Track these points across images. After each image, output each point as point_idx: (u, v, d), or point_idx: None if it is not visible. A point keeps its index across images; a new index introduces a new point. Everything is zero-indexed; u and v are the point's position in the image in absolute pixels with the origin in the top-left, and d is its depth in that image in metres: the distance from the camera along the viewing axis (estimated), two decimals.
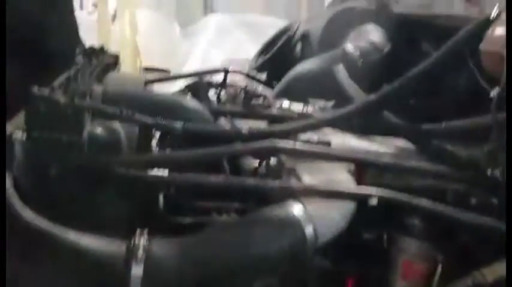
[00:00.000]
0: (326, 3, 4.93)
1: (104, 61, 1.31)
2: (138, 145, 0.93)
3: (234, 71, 1.72)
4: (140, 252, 0.74)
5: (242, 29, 4.91)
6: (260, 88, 1.61)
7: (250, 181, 0.85)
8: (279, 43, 1.60)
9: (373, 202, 0.83)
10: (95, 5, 4.29)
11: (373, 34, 1.46)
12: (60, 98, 0.81)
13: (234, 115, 1.14)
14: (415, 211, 0.89)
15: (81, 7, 5.38)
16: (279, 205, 0.84)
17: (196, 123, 0.93)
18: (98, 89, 0.94)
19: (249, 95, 1.28)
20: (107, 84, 1.03)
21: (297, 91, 1.48)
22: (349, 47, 1.43)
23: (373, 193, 0.84)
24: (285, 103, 1.37)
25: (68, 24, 1.29)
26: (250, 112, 1.14)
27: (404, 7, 1.52)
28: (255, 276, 0.80)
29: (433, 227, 0.98)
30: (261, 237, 0.80)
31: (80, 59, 1.20)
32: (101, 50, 1.43)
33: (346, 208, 0.85)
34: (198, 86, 1.25)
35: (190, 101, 0.99)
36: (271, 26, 4.93)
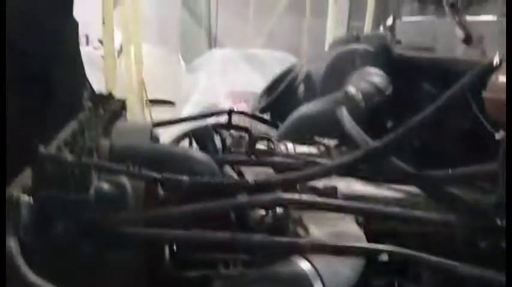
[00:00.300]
0: (327, 37, 5.04)
1: (111, 109, 1.33)
2: (144, 199, 0.93)
3: (238, 112, 1.74)
4: None
5: (245, 62, 4.99)
6: (264, 129, 1.62)
7: (257, 237, 0.84)
8: (283, 85, 1.62)
9: (384, 258, 0.82)
10: (101, 41, 4.36)
11: (375, 76, 1.48)
12: (68, 156, 0.81)
13: (239, 163, 1.15)
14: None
15: (87, 43, 5.51)
16: (287, 260, 0.83)
17: (202, 176, 0.93)
18: (104, 144, 0.95)
19: (253, 138, 1.29)
20: (113, 137, 1.04)
21: (300, 132, 1.50)
22: (351, 89, 1.44)
23: (384, 249, 0.83)
24: (290, 146, 1.38)
25: (75, 67, 1.31)
26: (255, 161, 1.15)
27: (405, 49, 1.55)
28: None
29: (444, 278, 0.96)
30: None
31: (86, 103, 1.21)
32: (109, 97, 1.45)
33: (356, 262, 0.85)
34: (203, 133, 1.26)
35: (196, 153, 1.00)
36: (273, 59, 5.05)
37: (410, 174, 1.08)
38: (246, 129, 1.39)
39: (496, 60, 1.02)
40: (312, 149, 1.40)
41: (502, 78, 0.99)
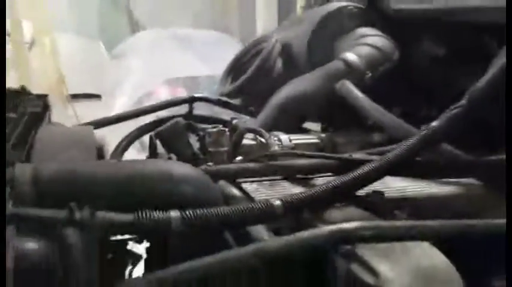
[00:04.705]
0: (256, 11, 4.71)
1: (29, 110, 0.91)
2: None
3: (201, 99, 1.37)
4: None
5: (175, 43, 4.51)
6: (247, 119, 1.27)
7: None
8: (256, 62, 1.27)
9: None
10: (8, 34, 3.80)
11: (376, 38, 1.17)
12: None
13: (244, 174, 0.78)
14: None
15: None
16: None
17: (199, 204, 0.57)
18: (23, 173, 0.54)
19: (240, 131, 0.94)
20: (37, 156, 0.64)
21: (290, 117, 1.16)
22: (350, 56, 1.13)
23: None
24: (283, 137, 1.05)
25: None
26: (262, 168, 0.78)
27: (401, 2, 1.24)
28: None
29: None
30: None
31: None
32: (24, 93, 1.02)
33: None
34: (173, 133, 0.88)
35: (179, 167, 0.63)
36: (206, 38, 4.63)
37: (472, 164, 0.79)
38: (224, 122, 1.03)
39: None
40: (311, 138, 1.08)
41: None
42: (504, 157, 0.77)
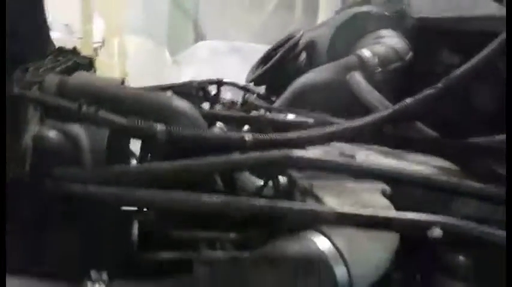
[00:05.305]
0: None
1: (74, 59, 1.09)
2: (108, 157, 0.69)
3: (228, 83, 1.51)
4: None
5: (232, 54, 4.76)
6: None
7: (260, 202, 0.61)
8: (281, 51, 1.39)
9: (436, 233, 0.59)
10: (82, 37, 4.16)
11: (393, 39, 1.26)
12: None
13: (232, 121, 0.91)
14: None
15: (69, 33, 5.24)
16: (297, 236, 0.60)
17: (185, 128, 0.70)
18: (52, 79, 0.71)
19: (249, 104, 1.06)
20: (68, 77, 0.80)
21: (303, 104, 1.27)
22: (365, 52, 1.23)
23: (436, 220, 0.60)
24: (290, 117, 1.15)
25: (40, 28, 1.10)
26: (253, 119, 0.91)
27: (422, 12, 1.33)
28: None
29: (485, 266, 0.75)
30: (272, 281, 0.56)
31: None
32: (73, 51, 1.20)
33: (389, 242, 0.62)
34: (188, 88, 1.02)
35: (178, 101, 0.76)
36: (262, 52, 4.82)
37: (440, 142, 0.86)
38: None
39: None
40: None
41: None
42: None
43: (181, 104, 0.76)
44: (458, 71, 0.84)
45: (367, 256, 0.61)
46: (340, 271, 0.58)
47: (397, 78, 1.23)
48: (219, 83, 1.49)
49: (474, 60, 0.85)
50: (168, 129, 0.67)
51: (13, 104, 0.60)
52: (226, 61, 4.58)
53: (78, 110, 0.63)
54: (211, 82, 1.50)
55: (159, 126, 0.67)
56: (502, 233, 0.59)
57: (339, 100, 1.26)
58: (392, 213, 0.62)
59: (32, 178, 0.59)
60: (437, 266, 0.79)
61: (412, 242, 0.80)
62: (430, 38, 1.30)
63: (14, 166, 0.59)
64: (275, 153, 0.66)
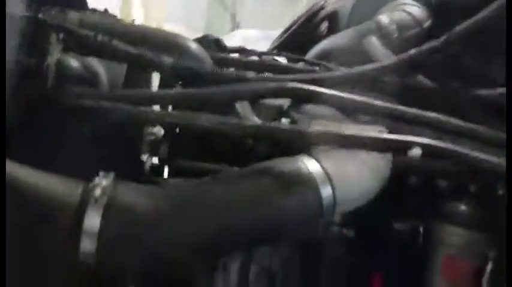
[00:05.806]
0: None
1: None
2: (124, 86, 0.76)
3: (249, 51, 1.56)
4: (99, 195, 0.55)
5: (267, 42, 4.81)
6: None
7: (249, 123, 0.66)
8: (302, 19, 1.43)
9: (416, 152, 0.62)
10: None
11: (412, 6, 1.28)
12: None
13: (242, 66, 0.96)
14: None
15: None
16: (287, 158, 0.65)
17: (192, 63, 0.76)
18: (75, 14, 0.78)
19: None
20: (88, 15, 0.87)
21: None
22: (384, 18, 1.24)
23: (416, 141, 0.63)
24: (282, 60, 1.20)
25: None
26: (266, 65, 0.96)
27: None
28: (252, 243, 0.60)
29: (484, 212, 0.77)
30: (260, 196, 0.61)
31: None
32: (105, 12, 1.28)
33: (380, 171, 0.65)
34: (205, 39, 1.08)
35: (188, 41, 0.82)
36: None
37: (441, 91, 0.88)
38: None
39: None
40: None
41: None
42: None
43: (191, 44, 0.82)
44: (461, 26, 0.86)
45: (355, 181, 0.65)
46: (325, 192, 0.62)
47: (414, 45, 1.25)
48: (241, 51, 1.54)
49: (477, 17, 0.87)
50: (174, 61, 0.73)
51: (38, 28, 0.67)
52: (259, 47, 4.64)
53: (95, 38, 0.70)
54: (233, 50, 1.55)
55: (166, 58, 0.73)
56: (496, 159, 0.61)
57: (357, 65, 1.29)
58: (374, 133, 0.65)
59: (52, 93, 0.66)
60: (439, 216, 0.81)
61: (414, 192, 0.84)
62: (450, 10, 1.30)
63: (35, 82, 0.66)
64: (282, 84, 0.70)
